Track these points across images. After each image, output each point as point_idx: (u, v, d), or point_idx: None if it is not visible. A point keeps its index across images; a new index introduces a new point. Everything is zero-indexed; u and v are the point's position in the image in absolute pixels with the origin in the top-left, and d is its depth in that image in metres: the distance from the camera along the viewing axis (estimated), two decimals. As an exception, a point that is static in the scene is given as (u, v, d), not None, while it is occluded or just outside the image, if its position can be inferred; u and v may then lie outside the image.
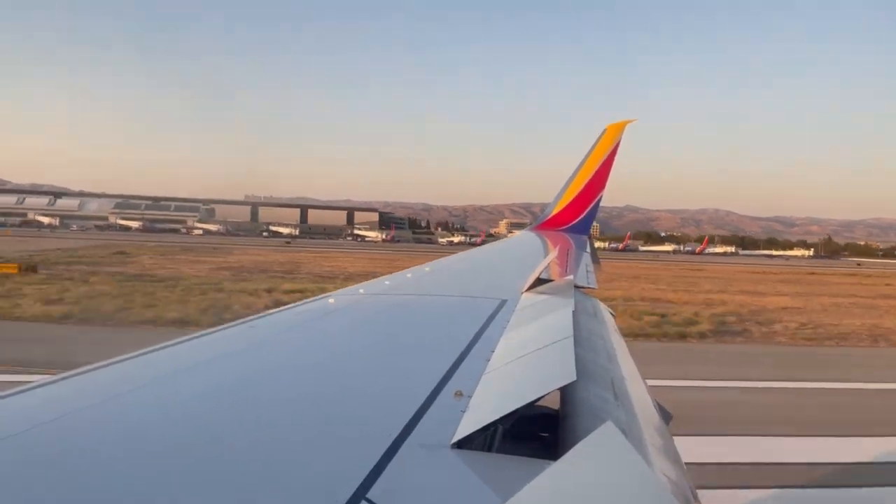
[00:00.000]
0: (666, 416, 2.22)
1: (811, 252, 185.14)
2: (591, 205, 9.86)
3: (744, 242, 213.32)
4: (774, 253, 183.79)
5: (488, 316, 2.88)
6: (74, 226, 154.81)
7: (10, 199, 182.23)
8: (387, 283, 4.26)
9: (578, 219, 9.91)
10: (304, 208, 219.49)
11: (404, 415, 1.53)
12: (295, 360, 2.20)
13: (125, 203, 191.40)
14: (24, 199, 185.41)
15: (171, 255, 61.44)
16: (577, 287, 3.97)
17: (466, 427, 1.43)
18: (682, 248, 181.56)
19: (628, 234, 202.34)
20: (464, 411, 1.57)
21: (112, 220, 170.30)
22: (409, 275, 4.84)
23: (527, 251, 7.81)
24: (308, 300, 3.32)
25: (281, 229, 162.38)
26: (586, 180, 9.74)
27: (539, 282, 3.74)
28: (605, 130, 9.68)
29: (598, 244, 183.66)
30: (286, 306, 3.07)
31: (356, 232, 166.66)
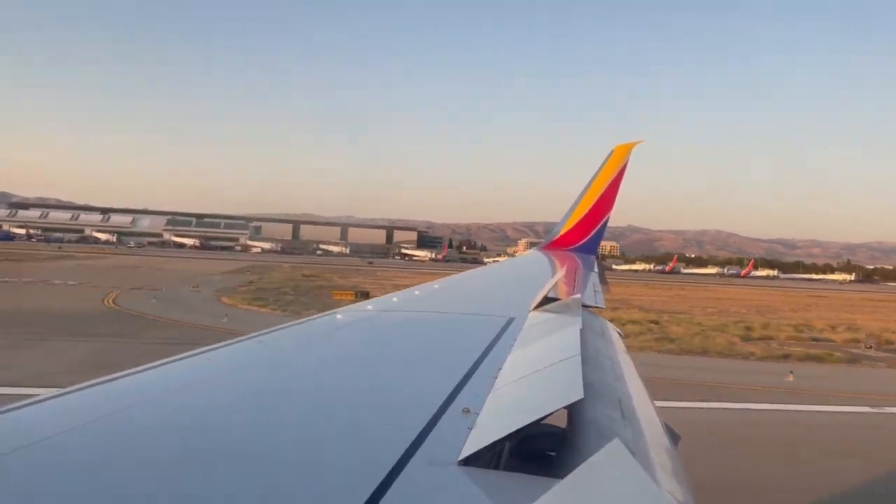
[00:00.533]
0: (674, 436, 2.18)
1: (852, 276, 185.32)
2: (599, 225, 9.91)
3: (782, 266, 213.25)
4: (815, 277, 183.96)
5: (496, 333, 2.87)
6: (132, 242, 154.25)
7: (64, 216, 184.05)
8: (395, 299, 4.29)
9: (586, 239, 9.93)
10: (343, 227, 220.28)
11: (412, 431, 1.52)
12: (303, 376, 2.20)
13: (175, 220, 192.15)
14: (79, 215, 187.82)
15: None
16: (584, 306, 3.98)
17: (474, 444, 1.43)
18: (725, 271, 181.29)
19: (675, 256, 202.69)
20: (471, 428, 1.56)
21: (166, 237, 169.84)
22: (417, 292, 4.87)
23: (535, 270, 7.84)
24: (317, 316, 3.33)
25: (331, 248, 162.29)
26: (594, 201, 9.77)
27: (547, 300, 3.75)
28: (612, 151, 9.71)
29: (642, 266, 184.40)
30: (295, 321, 3.09)
31: (404, 251, 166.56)
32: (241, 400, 1.84)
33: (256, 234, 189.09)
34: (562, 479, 1.11)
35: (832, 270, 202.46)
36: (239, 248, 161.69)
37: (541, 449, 1.85)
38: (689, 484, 1.63)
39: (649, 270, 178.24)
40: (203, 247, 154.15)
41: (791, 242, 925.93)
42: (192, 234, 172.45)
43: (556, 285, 4.71)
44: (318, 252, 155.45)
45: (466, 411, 1.69)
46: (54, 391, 1.73)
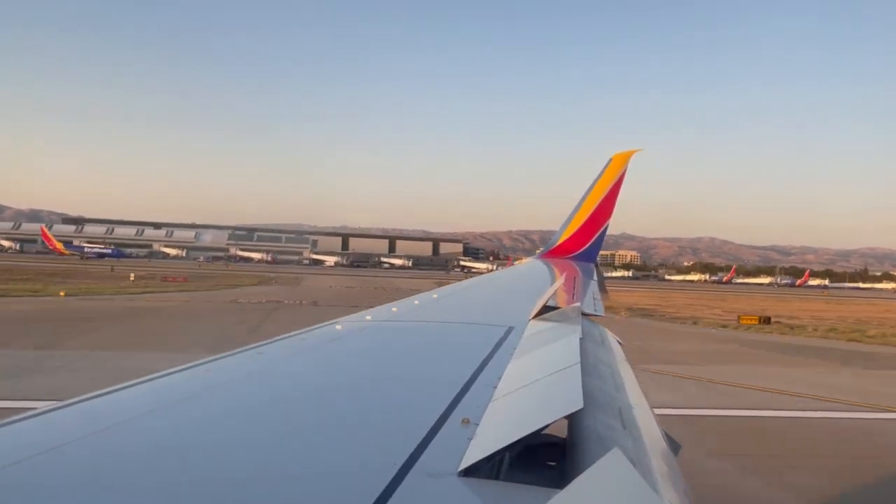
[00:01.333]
0: (674, 446, 2.18)
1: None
2: (598, 233, 9.88)
3: (830, 275, 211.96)
4: (863, 286, 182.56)
5: (495, 343, 2.86)
6: (202, 257, 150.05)
7: (129, 231, 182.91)
8: (394, 309, 4.26)
9: (585, 247, 9.91)
10: (391, 239, 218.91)
11: (411, 442, 1.51)
12: (301, 387, 2.18)
13: (235, 234, 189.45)
14: (143, 230, 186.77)
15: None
16: (584, 314, 3.97)
17: (473, 455, 1.41)
18: (779, 280, 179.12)
19: (734, 267, 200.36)
20: (471, 439, 1.55)
21: (232, 251, 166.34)
22: (416, 301, 4.83)
23: (534, 278, 7.74)
24: (316, 326, 3.32)
25: (394, 261, 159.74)
26: (592, 209, 9.74)
27: (546, 309, 3.73)
28: (610, 159, 9.69)
29: (697, 277, 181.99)
30: (294, 332, 3.06)
31: (463, 264, 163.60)
32: (240, 412, 1.82)
33: (314, 247, 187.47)
34: (562, 489, 1.09)
35: (878, 279, 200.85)
36: (307, 261, 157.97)
37: (541, 459, 1.84)
38: (689, 493, 1.61)
39: (704, 281, 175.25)
40: (274, 261, 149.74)
41: (785, 249, 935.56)
42: (258, 248, 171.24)
43: (555, 294, 4.62)
44: (385, 265, 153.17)
45: (466, 422, 1.68)
46: (53, 404, 1.72)
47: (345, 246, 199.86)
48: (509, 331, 3.15)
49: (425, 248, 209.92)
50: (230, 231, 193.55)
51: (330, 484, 1.30)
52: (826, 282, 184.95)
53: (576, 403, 1.56)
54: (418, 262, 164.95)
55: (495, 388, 2.05)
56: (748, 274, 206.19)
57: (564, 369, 2.02)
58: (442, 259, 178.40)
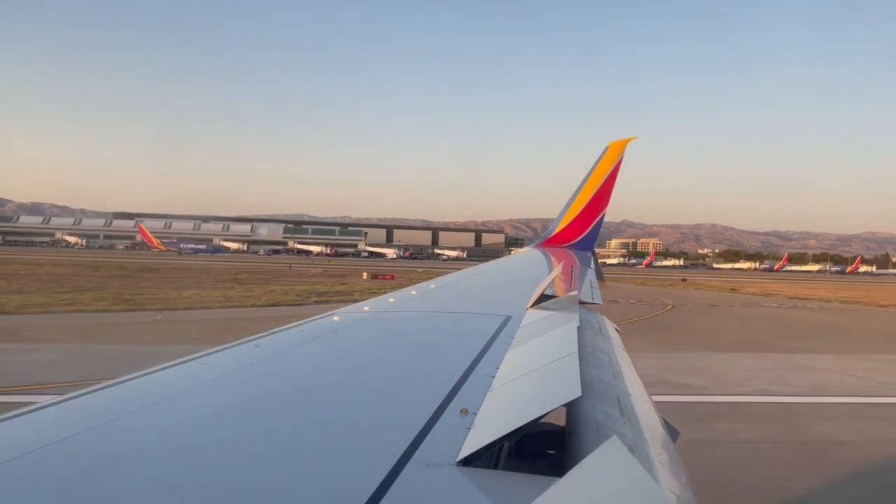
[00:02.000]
0: (673, 433, 2.18)
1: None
2: (595, 221, 9.83)
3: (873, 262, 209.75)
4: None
5: (493, 332, 2.86)
6: (262, 251, 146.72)
7: (187, 225, 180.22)
8: (391, 300, 4.26)
9: (582, 235, 9.84)
10: (434, 230, 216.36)
11: (409, 432, 1.51)
12: (299, 379, 2.19)
13: (290, 227, 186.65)
14: (201, 224, 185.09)
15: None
16: (581, 303, 3.96)
17: (472, 444, 1.42)
18: (828, 268, 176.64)
19: (786, 255, 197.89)
20: (469, 428, 1.55)
21: (290, 244, 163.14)
22: (413, 292, 4.82)
23: (531, 267, 7.65)
24: (313, 318, 3.32)
25: (449, 252, 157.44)
26: (589, 197, 9.69)
27: (544, 298, 3.73)
28: (606, 148, 9.63)
29: (747, 265, 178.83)
30: (292, 324, 3.08)
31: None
32: (237, 404, 1.82)
33: (364, 238, 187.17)
34: (561, 477, 1.10)
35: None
36: (365, 254, 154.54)
37: (539, 448, 1.84)
38: (688, 480, 1.62)
39: (754, 269, 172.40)
40: (335, 254, 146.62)
41: (786, 235, 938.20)
42: (316, 241, 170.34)
43: (553, 282, 4.61)
44: (444, 257, 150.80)
45: (464, 411, 1.68)
46: (51, 399, 1.72)
47: (389, 238, 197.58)
48: (507, 320, 3.16)
49: (468, 239, 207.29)
50: (284, 225, 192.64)
51: (329, 474, 1.31)
52: (873, 268, 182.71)
53: (574, 392, 1.56)
54: (472, 254, 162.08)
55: (493, 377, 2.06)
56: (793, 262, 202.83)
57: (562, 358, 2.02)
58: (493, 250, 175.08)
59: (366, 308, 3.74)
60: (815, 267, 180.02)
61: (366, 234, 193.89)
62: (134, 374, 1.98)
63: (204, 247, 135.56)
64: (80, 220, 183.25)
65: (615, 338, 3.55)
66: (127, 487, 1.24)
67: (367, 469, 1.30)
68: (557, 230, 10.05)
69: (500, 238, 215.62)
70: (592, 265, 8.27)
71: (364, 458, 1.39)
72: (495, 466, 1.59)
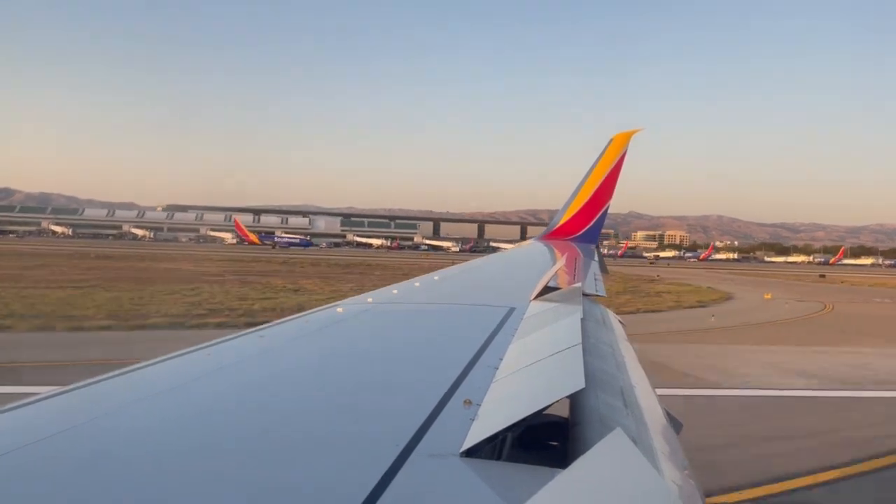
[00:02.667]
0: (676, 425, 2.19)
1: None
2: (599, 214, 9.82)
3: None
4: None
5: (497, 324, 2.86)
6: (324, 243, 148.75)
7: (246, 218, 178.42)
8: (395, 291, 4.27)
9: (586, 228, 9.84)
10: (480, 223, 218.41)
11: (413, 423, 1.51)
12: (303, 370, 2.19)
13: (348, 221, 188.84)
14: (259, 217, 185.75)
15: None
16: (585, 295, 3.96)
17: (475, 435, 1.42)
18: (882, 262, 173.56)
19: (842, 248, 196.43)
20: (473, 420, 1.55)
21: (349, 237, 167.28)
22: (417, 283, 4.83)
23: (535, 260, 7.74)
24: (317, 309, 3.33)
25: (506, 245, 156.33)
26: (593, 190, 9.66)
27: (547, 290, 3.74)
28: (611, 140, 9.57)
29: (801, 258, 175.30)
30: (295, 315, 3.08)
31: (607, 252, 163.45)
32: (242, 394, 1.83)
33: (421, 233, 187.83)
34: (564, 468, 1.10)
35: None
36: (424, 247, 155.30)
37: (543, 439, 1.85)
38: (691, 472, 1.63)
39: (809, 263, 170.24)
40: (397, 247, 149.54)
41: (794, 226, 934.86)
42: (375, 234, 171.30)
43: (556, 274, 4.64)
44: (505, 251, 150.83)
45: (468, 402, 1.68)
46: (53, 390, 1.72)
47: (436, 230, 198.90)
48: (510, 312, 3.16)
49: (514, 231, 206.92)
50: (340, 218, 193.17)
51: (334, 464, 1.31)
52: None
53: (577, 383, 1.56)
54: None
55: (497, 368, 2.06)
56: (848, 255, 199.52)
57: (566, 349, 2.02)
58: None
59: (369, 300, 3.74)
60: (869, 260, 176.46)
61: (419, 226, 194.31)
62: (138, 365, 1.99)
63: (298, 241, 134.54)
64: (144, 213, 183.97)
65: (618, 329, 3.55)
66: (127, 478, 1.23)
67: (371, 459, 1.30)
68: (561, 222, 10.05)
69: (537, 231, 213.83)
70: (596, 257, 8.24)
71: (368, 448, 1.39)
72: (499, 457, 1.60)
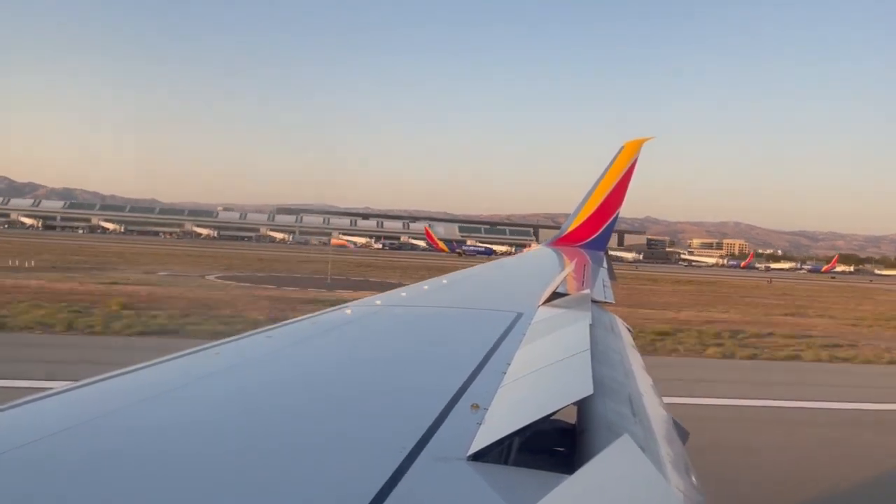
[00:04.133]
0: (683, 434, 2.18)
1: None
2: (609, 221, 9.87)
3: None
4: None
5: (505, 328, 2.86)
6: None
7: (371, 223, 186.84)
8: (403, 294, 4.28)
9: (595, 235, 9.89)
10: (535, 228, 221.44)
11: (420, 426, 1.51)
12: (310, 371, 2.20)
13: (466, 227, 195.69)
14: (382, 222, 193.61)
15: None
16: (594, 301, 3.94)
17: (482, 440, 1.42)
18: None
19: None
20: (480, 424, 1.55)
21: (469, 242, 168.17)
22: (425, 286, 4.83)
23: (543, 265, 7.76)
24: (326, 310, 3.34)
25: (624, 255, 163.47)
26: (603, 197, 9.69)
27: (556, 295, 3.73)
28: (622, 147, 9.60)
29: (844, 268, 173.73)
30: (303, 316, 3.09)
31: (686, 257, 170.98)
32: (249, 395, 1.83)
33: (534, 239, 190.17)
34: (571, 474, 1.10)
35: None
36: None
37: (550, 444, 1.85)
38: (698, 481, 1.62)
39: (850, 272, 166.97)
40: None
41: (812, 235, 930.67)
42: (496, 240, 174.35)
43: (565, 280, 4.62)
44: (621, 261, 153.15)
45: (475, 407, 1.68)
46: (57, 388, 1.72)
47: (536, 237, 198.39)
48: (518, 316, 3.15)
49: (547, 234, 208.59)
50: (458, 224, 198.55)
51: (341, 466, 1.31)
52: None
53: (585, 389, 1.56)
54: (646, 257, 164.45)
55: (504, 373, 2.06)
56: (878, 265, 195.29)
57: (574, 355, 2.01)
58: (662, 252, 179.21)
59: (378, 302, 3.78)
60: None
61: (532, 231, 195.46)
62: (146, 363, 1.99)
63: (483, 249, 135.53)
64: (274, 217, 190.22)
65: (626, 337, 3.58)
66: (131, 478, 1.24)
67: (378, 461, 1.30)
68: (571, 229, 10.06)
69: (643, 240, 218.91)
70: (605, 264, 8.30)
71: (374, 450, 1.39)
72: (505, 462, 1.58)
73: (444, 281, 5.35)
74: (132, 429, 1.49)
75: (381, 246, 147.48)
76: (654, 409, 2.16)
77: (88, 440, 1.39)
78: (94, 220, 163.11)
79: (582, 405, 1.78)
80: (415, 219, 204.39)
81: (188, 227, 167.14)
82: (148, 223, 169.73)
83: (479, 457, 1.35)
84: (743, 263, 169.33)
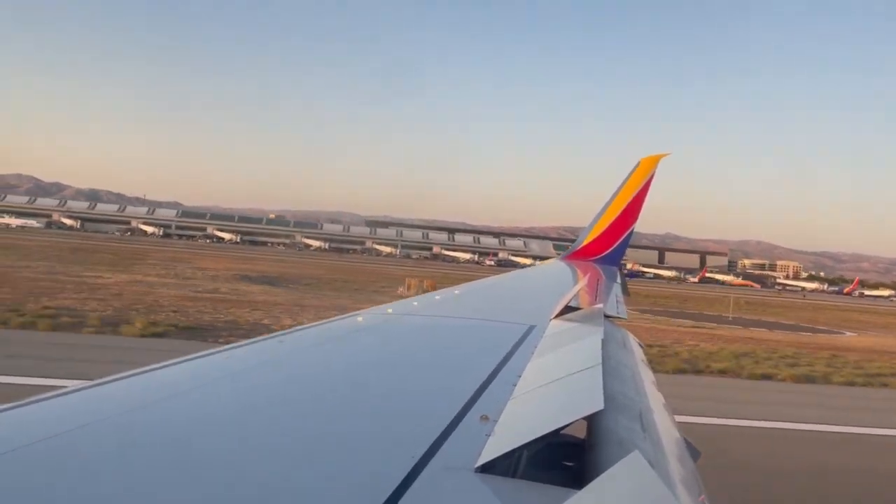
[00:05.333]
0: (694, 453, 2.15)
1: None
2: (623, 237, 9.90)
3: None
4: None
5: (516, 341, 2.86)
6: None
7: (467, 238, 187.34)
8: (416, 303, 4.30)
9: (609, 250, 9.93)
10: (661, 250, 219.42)
11: (429, 436, 1.52)
12: (322, 377, 2.20)
13: (561, 246, 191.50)
14: (479, 238, 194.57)
15: None
16: (606, 316, 3.94)
17: (491, 451, 1.42)
18: None
19: None
20: (489, 435, 1.56)
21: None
22: (437, 297, 4.90)
23: (556, 278, 7.76)
24: (338, 317, 3.37)
25: (722, 277, 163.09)
26: (618, 212, 9.73)
27: (568, 309, 3.73)
28: (638, 163, 9.63)
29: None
30: (315, 323, 3.12)
31: (784, 282, 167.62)
32: (259, 400, 1.84)
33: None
34: (580, 489, 1.09)
35: None
36: (651, 275, 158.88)
37: (559, 459, 1.84)
38: (708, 501, 1.61)
39: None
40: (632, 275, 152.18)
41: (836, 256, 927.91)
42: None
43: (577, 294, 4.66)
44: (649, 275, 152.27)
45: (485, 418, 1.69)
46: (63, 389, 1.72)
47: (661, 259, 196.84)
48: (530, 329, 3.15)
49: (693, 260, 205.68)
50: (552, 242, 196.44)
51: (349, 474, 1.32)
52: None
53: (596, 404, 1.56)
54: (746, 276, 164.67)
55: (515, 385, 2.06)
56: None
57: (585, 370, 2.01)
58: (757, 276, 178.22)
59: (389, 310, 3.79)
60: None
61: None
62: (154, 366, 2.00)
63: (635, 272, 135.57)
64: (402, 232, 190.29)
65: (638, 352, 3.56)
66: (131, 480, 1.23)
67: (386, 470, 1.31)
68: (585, 243, 10.15)
69: (724, 261, 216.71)
70: (619, 279, 8.32)
71: (383, 459, 1.40)
72: (514, 475, 1.58)
73: (457, 292, 5.35)
74: (131, 433, 1.49)
75: (492, 263, 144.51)
76: (665, 426, 2.14)
77: (88, 443, 1.39)
78: (210, 230, 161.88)
79: (592, 420, 1.78)
80: (514, 235, 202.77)
81: (298, 238, 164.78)
82: (256, 233, 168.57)
83: (487, 468, 1.36)
84: (847, 289, 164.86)
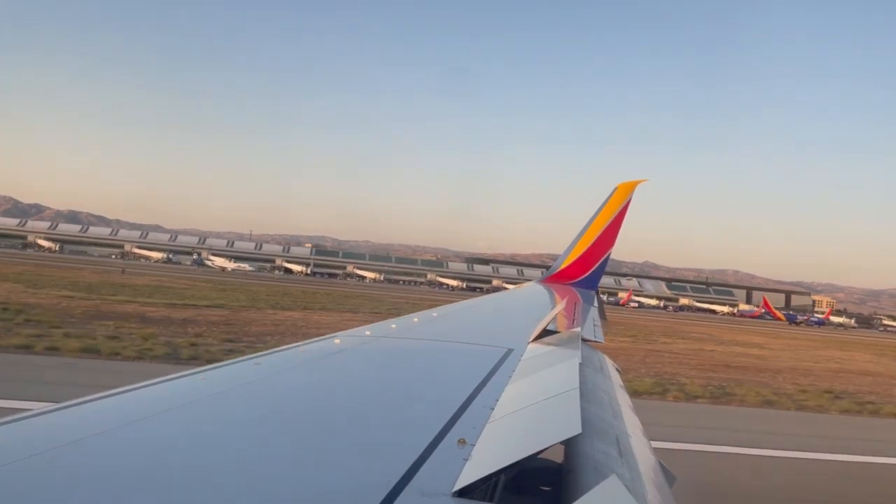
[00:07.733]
0: (670, 477, 2.20)
1: None
2: (600, 261, 10.21)
3: None
4: None
5: (494, 364, 2.89)
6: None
7: (511, 270, 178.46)
8: (393, 326, 4.33)
9: (587, 274, 10.20)
10: (707, 283, 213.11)
11: (405, 461, 1.52)
12: (296, 400, 2.18)
13: (672, 285, 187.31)
14: (498, 268, 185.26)
15: None
16: (584, 340, 4.01)
17: (468, 476, 1.43)
18: None
19: None
20: (466, 460, 1.56)
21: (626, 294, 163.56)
22: (415, 319, 4.92)
23: (534, 302, 7.93)
24: (314, 339, 3.36)
25: (838, 320, 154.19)
26: (595, 237, 10.05)
27: (546, 333, 3.79)
28: (615, 189, 10.01)
29: None
30: (292, 345, 3.09)
31: (885, 322, 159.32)
32: (231, 422, 1.82)
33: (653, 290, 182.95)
34: None
35: None
36: (666, 305, 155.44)
37: (536, 483, 1.86)
38: None
39: None
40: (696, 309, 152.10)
41: (811, 286, 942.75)
42: (706, 299, 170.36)
43: (555, 318, 4.74)
44: (814, 319, 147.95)
45: (462, 442, 1.69)
46: (46, 406, 1.72)
47: (749, 298, 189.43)
48: (508, 353, 3.19)
49: (779, 299, 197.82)
50: (664, 282, 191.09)
51: (323, 500, 1.31)
52: None
53: (574, 429, 1.57)
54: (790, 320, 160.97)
55: (492, 409, 2.08)
56: None
57: (563, 393, 2.03)
58: (864, 317, 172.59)
59: (367, 332, 3.80)
60: None
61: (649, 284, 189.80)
62: (131, 386, 1.98)
63: (817, 319, 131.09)
64: (447, 264, 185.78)
65: (615, 377, 3.62)
66: (136, 490, 1.24)
67: (362, 495, 1.30)
68: (562, 267, 10.31)
69: (808, 300, 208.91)
70: (596, 303, 8.47)
71: (359, 483, 1.39)
72: (491, 500, 1.60)
73: (434, 314, 5.38)
74: (106, 452, 1.49)
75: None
76: (642, 451, 2.19)
77: (67, 462, 1.39)
78: (278, 261, 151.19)
79: (569, 444, 1.80)
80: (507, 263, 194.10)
81: (350, 268, 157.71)
82: (326, 265, 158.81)
83: (464, 493, 1.36)
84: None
